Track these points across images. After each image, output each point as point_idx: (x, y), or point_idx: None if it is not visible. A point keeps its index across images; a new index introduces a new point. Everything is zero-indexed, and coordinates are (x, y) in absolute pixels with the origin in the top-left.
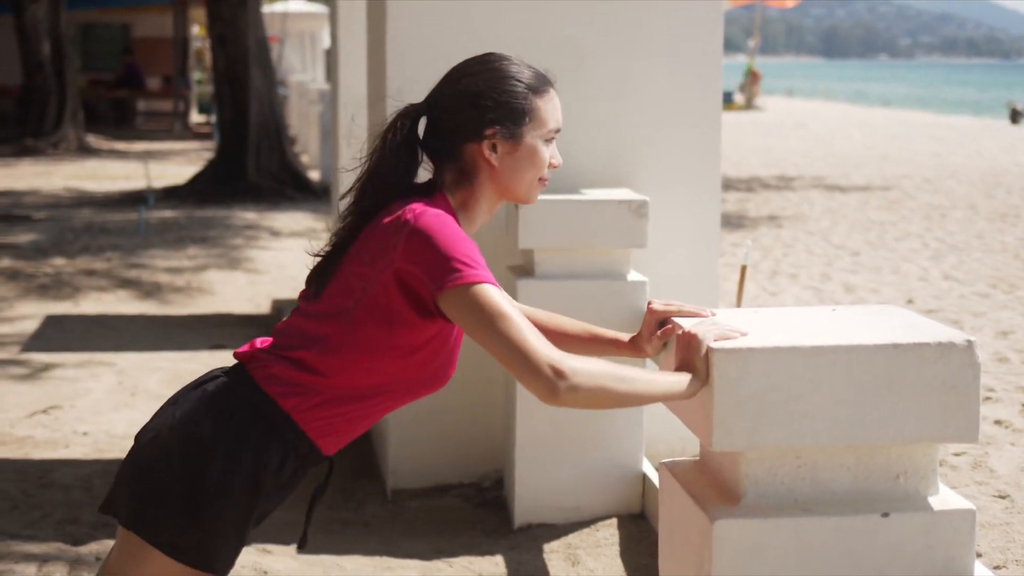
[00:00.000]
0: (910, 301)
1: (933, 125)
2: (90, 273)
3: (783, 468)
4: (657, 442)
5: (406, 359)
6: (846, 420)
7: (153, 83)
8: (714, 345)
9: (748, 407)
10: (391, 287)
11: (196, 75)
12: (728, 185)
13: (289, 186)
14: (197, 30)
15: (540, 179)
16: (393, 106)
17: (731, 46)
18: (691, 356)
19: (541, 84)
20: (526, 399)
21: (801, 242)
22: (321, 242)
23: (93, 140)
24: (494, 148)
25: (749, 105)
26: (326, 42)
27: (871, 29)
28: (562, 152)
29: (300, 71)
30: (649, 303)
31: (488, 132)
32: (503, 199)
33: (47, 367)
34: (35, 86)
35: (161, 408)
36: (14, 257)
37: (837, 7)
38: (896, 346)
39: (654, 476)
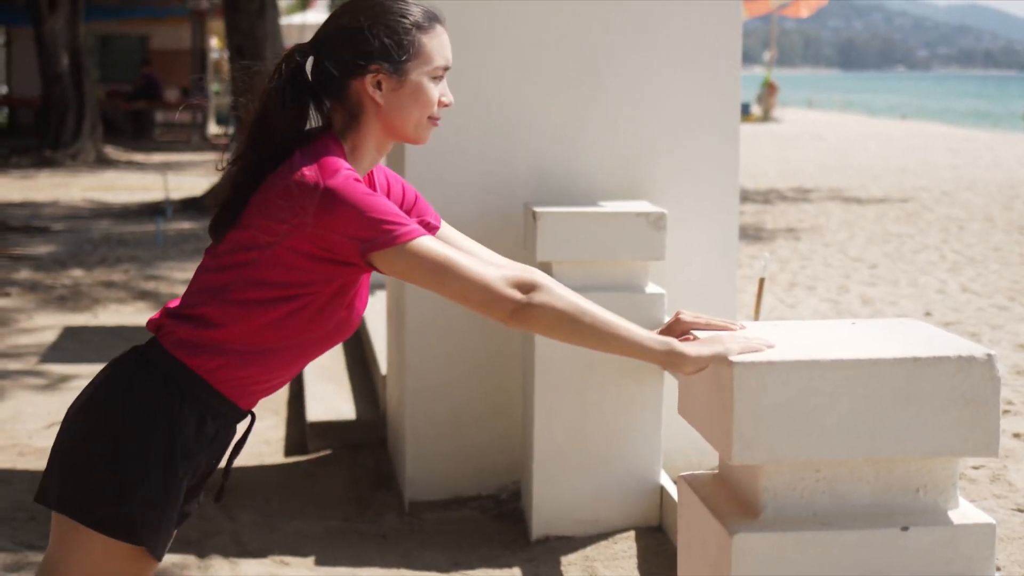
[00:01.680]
0: (928, 314)
1: (950, 137)
2: (108, 284)
3: (802, 481)
4: (675, 454)
5: (304, 310)
6: (866, 434)
7: (171, 95)
8: (734, 358)
9: (768, 420)
10: (301, 246)
11: (214, 86)
12: (745, 197)
13: None
14: (215, 42)
15: (430, 118)
16: None
17: (748, 58)
18: (705, 348)
19: (427, 20)
20: (544, 411)
21: (818, 254)
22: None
23: (111, 151)
24: (378, 85)
25: (766, 117)
26: None
27: (888, 41)
28: (578, 162)
29: None
30: (677, 313)
31: (372, 68)
32: (391, 138)
33: (65, 378)
34: (54, 98)
35: (82, 389)
36: (33, 268)
37: (854, 19)
38: (916, 360)
39: (672, 489)
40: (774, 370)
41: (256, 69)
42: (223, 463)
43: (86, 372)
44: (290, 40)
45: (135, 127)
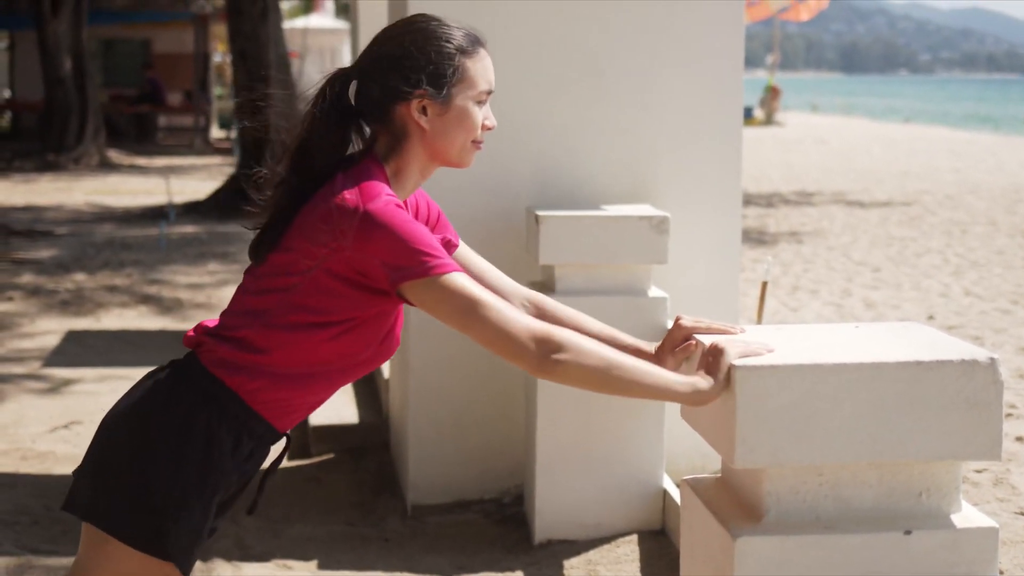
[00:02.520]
0: (931, 317)
1: (953, 140)
2: (111, 288)
3: (805, 485)
4: (678, 458)
5: (344, 336)
6: (869, 437)
7: (174, 99)
8: (736, 362)
9: (771, 424)
10: (340, 270)
11: (217, 90)
12: (748, 200)
13: None
14: (218, 46)
15: (473, 142)
16: None
17: (751, 62)
18: (713, 369)
19: (471, 44)
20: (546, 414)
21: (821, 258)
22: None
23: (114, 155)
24: (424, 110)
25: (769, 120)
26: (347, 57)
27: (891, 45)
28: (581, 166)
29: None
30: (677, 318)
31: (417, 93)
32: (435, 163)
33: (68, 382)
34: (57, 101)
35: (117, 401)
36: (36, 272)
37: (857, 22)
38: (919, 363)
39: (675, 492)
40: (777, 374)
41: (297, 93)
42: (258, 480)
43: (89, 376)
44: (293, 44)
45: (138, 131)
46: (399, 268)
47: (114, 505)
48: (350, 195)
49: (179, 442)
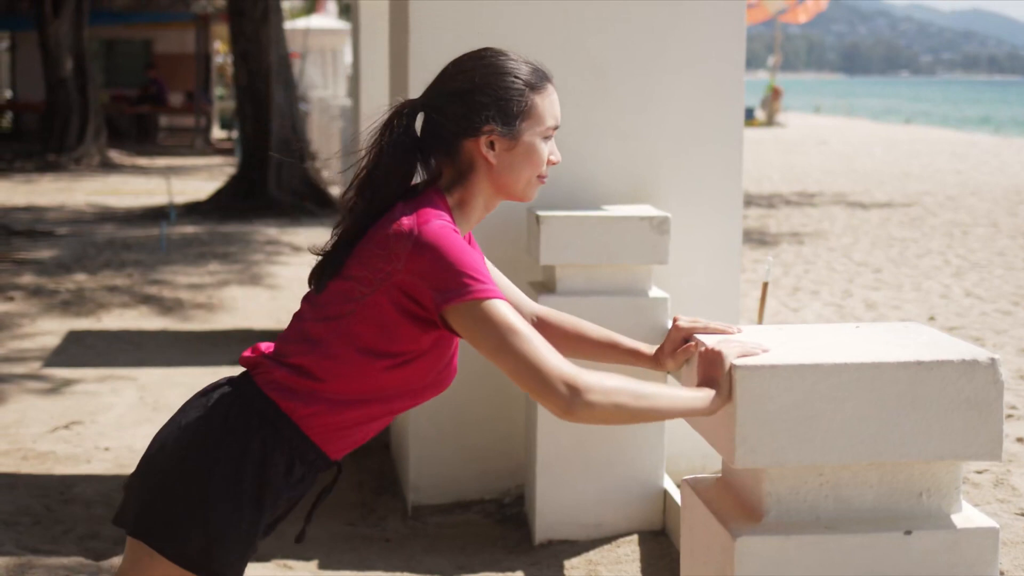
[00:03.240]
0: (932, 318)
1: (955, 142)
2: (112, 289)
3: (806, 485)
4: (678, 458)
5: (404, 367)
6: (869, 437)
7: (175, 99)
8: (737, 362)
9: (771, 424)
10: (393, 296)
11: (218, 91)
12: (749, 201)
13: (310, 201)
14: (219, 46)
15: (538, 176)
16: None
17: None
18: (714, 372)
19: (539, 80)
20: (547, 415)
21: (822, 259)
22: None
23: (115, 156)
24: (492, 145)
25: (771, 122)
26: (348, 58)
27: (892, 46)
28: (582, 167)
29: (322, 87)
30: (675, 319)
31: (485, 129)
32: (500, 196)
33: (69, 383)
34: (58, 102)
35: (169, 419)
36: (37, 273)
37: (859, 24)
38: (919, 364)
39: (675, 493)
40: (777, 374)
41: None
42: (307, 507)
43: (90, 376)
44: (294, 44)
45: (139, 131)
46: (443, 290)
47: (165, 523)
48: (407, 220)
49: (234, 464)
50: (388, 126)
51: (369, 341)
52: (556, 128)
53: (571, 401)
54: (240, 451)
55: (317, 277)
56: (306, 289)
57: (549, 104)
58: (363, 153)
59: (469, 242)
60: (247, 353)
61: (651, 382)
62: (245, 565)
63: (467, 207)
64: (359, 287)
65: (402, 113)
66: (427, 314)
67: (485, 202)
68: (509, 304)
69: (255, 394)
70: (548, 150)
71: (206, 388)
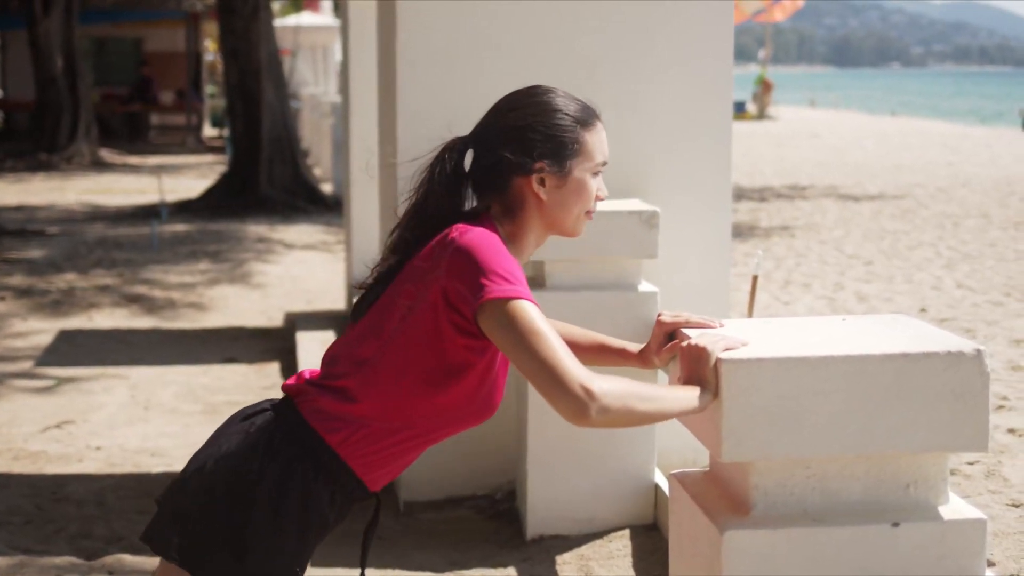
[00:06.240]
0: (923, 310)
1: (946, 134)
2: (103, 288)
3: (793, 479)
4: (669, 452)
5: (449, 390)
6: (855, 430)
7: (166, 97)
8: (723, 356)
9: (757, 418)
10: (436, 306)
11: (209, 89)
12: (741, 195)
13: (302, 199)
14: (209, 44)
15: (587, 212)
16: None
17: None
18: (700, 368)
19: (588, 117)
20: (538, 411)
21: (814, 251)
22: (341, 258)
23: (106, 154)
24: (542, 182)
25: (762, 115)
26: (338, 55)
27: (883, 38)
28: None
29: (312, 84)
30: (659, 315)
31: (537, 166)
32: (550, 232)
33: (60, 382)
34: (48, 101)
35: (209, 440)
36: (28, 272)
37: (850, 16)
38: (905, 356)
39: (667, 487)
40: (763, 367)
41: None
42: (361, 548)
43: (81, 376)
44: (284, 42)
45: (130, 130)
46: (474, 289)
47: (207, 553)
48: (451, 232)
49: (278, 497)
50: (438, 162)
51: (416, 358)
52: (605, 164)
53: (588, 406)
54: (281, 482)
55: (358, 307)
56: (299, 286)
57: (598, 141)
58: (412, 189)
59: None
60: (291, 381)
61: (651, 384)
62: None
63: (518, 241)
64: (404, 301)
65: (452, 149)
66: (469, 325)
67: (536, 238)
68: (538, 308)
69: (298, 423)
70: (596, 186)
71: (247, 411)
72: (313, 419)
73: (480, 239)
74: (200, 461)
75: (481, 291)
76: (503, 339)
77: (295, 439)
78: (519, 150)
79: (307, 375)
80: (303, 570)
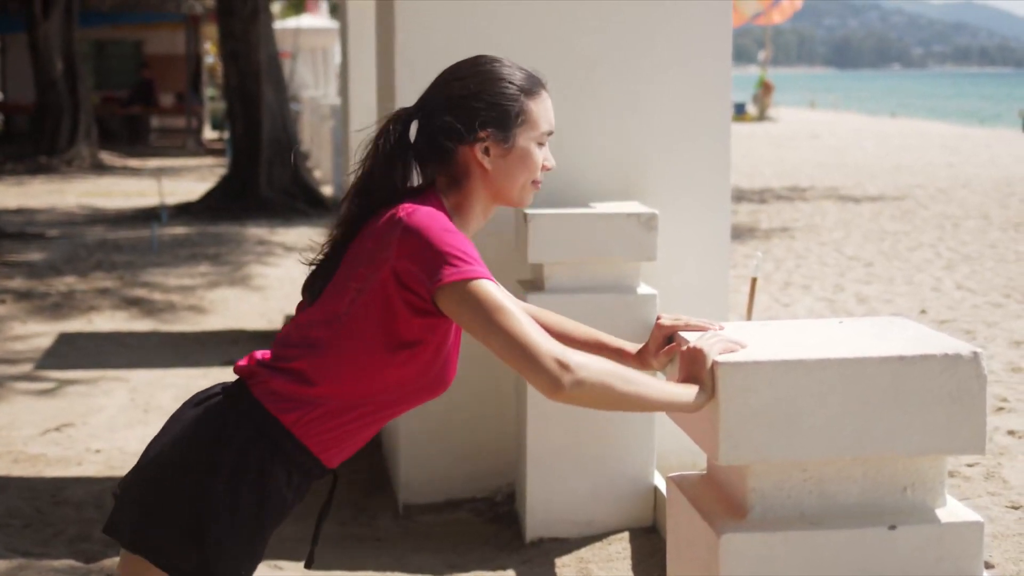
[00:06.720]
0: (923, 311)
1: (946, 135)
2: (103, 290)
3: (790, 481)
4: (669, 455)
5: (403, 365)
6: (852, 433)
7: (166, 100)
8: (719, 358)
9: (754, 420)
10: (388, 286)
11: (209, 91)
12: (740, 196)
13: (302, 201)
14: (209, 46)
15: (533, 182)
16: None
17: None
18: (697, 370)
19: (533, 86)
20: (537, 413)
21: (814, 253)
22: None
23: (106, 157)
24: (487, 151)
25: (762, 116)
26: (338, 57)
27: (883, 39)
28: (571, 165)
29: (312, 87)
30: (658, 317)
31: (481, 135)
32: (496, 202)
33: (60, 385)
34: (48, 103)
35: (163, 427)
36: (28, 275)
37: (850, 17)
38: (902, 358)
39: (666, 489)
40: (760, 370)
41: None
42: (313, 530)
43: (81, 378)
44: (284, 44)
45: (130, 132)
46: (431, 272)
47: (165, 539)
48: (397, 210)
49: (230, 478)
50: (383, 133)
51: (370, 338)
52: (550, 133)
53: (560, 377)
54: (236, 464)
55: (310, 286)
56: (298, 289)
57: (543, 110)
58: (358, 162)
59: None
60: (242, 362)
61: (638, 371)
62: None
63: (464, 212)
64: (354, 284)
65: (397, 120)
66: (423, 303)
67: (482, 208)
68: (498, 284)
69: (251, 404)
70: (542, 155)
71: (199, 396)
72: (266, 400)
73: (428, 219)
74: (155, 449)
75: (438, 273)
76: (469, 321)
77: (249, 421)
78: (463, 119)
79: (259, 356)
80: (262, 551)
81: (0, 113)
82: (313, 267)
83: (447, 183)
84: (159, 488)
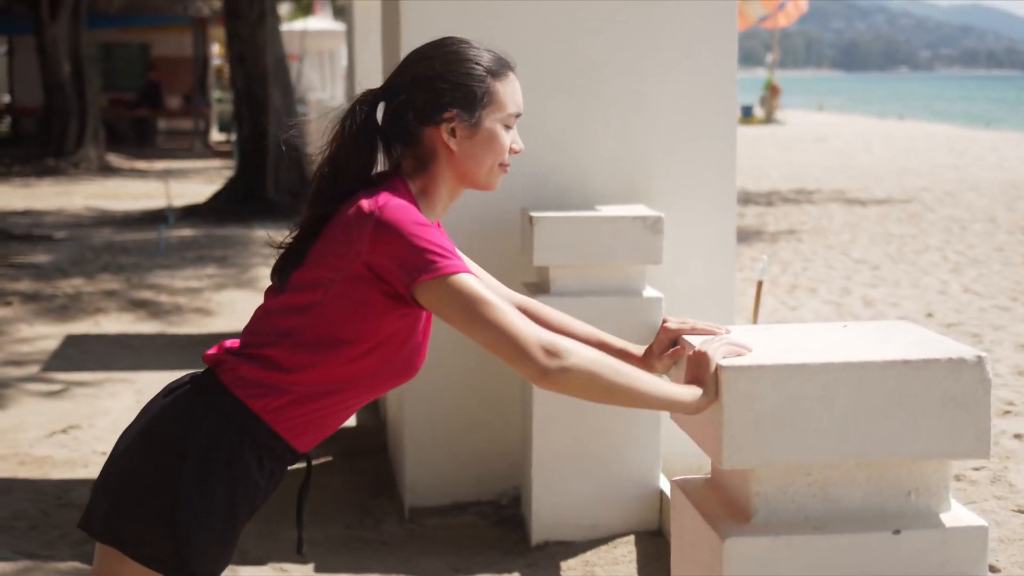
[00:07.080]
0: (930, 315)
1: (953, 137)
2: (110, 292)
3: (794, 485)
4: (674, 458)
5: (373, 352)
6: (857, 437)
7: (173, 102)
8: (723, 362)
9: (758, 424)
10: (362, 279)
11: (216, 94)
12: (747, 199)
13: None
14: (217, 49)
15: (501, 164)
16: None
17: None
18: (701, 374)
19: (500, 67)
20: (543, 416)
21: (820, 256)
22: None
23: (114, 159)
24: (453, 132)
25: (769, 119)
26: (345, 60)
27: (891, 42)
28: (575, 166)
29: (320, 89)
30: (664, 320)
31: (446, 115)
32: (463, 185)
33: (66, 387)
34: (56, 106)
35: (135, 418)
36: (35, 277)
37: (857, 20)
38: (906, 362)
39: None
40: (764, 374)
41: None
42: (296, 515)
43: (88, 380)
44: (291, 46)
45: (138, 135)
46: (410, 269)
47: (137, 529)
48: (366, 202)
49: (200, 466)
50: (349, 115)
51: (342, 327)
52: (518, 116)
53: (549, 364)
54: (206, 452)
55: (280, 271)
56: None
57: (511, 91)
58: (324, 144)
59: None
60: (211, 351)
61: (637, 369)
62: (225, 565)
63: (430, 195)
64: (327, 274)
65: (363, 102)
66: (399, 295)
67: (449, 191)
68: (477, 277)
69: (220, 392)
70: (510, 138)
71: (168, 387)
72: (235, 387)
73: (400, 212)
74: (125, 440)
75: (419, 270)
76: (452, 315)
77: (218, 408)
78: (428, 100)
79: (227, 344)
80: (236, 539)
81: (8, 115)
82: (282, 250)
83: (413, 166)
84: (130, 478)
